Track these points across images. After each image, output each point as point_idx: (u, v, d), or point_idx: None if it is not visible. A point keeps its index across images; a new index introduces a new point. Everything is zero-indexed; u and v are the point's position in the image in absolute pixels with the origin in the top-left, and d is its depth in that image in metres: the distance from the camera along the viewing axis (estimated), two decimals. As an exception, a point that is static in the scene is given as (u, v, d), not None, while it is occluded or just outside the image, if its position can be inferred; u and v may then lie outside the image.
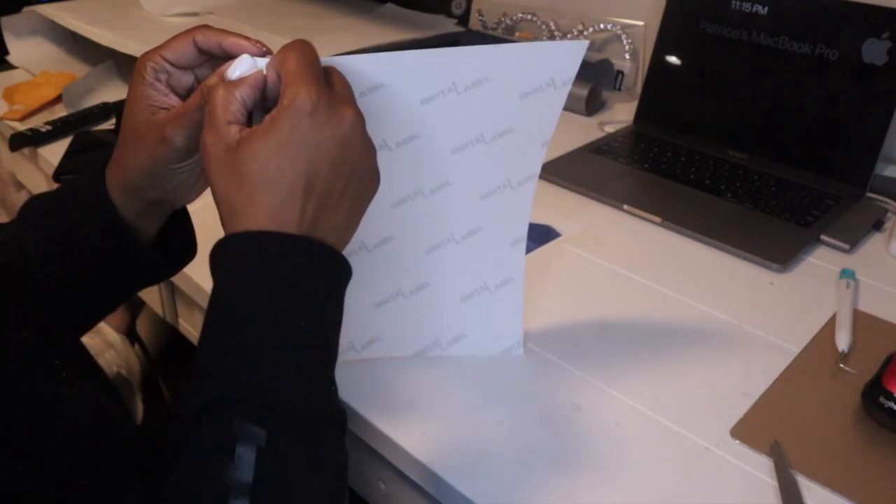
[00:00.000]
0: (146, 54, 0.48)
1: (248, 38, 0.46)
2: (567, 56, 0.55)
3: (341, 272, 0.44)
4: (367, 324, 0.63)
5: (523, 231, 0.63)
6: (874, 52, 0.91)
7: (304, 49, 0.43)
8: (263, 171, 0.40)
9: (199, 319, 0.43)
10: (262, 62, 0.46)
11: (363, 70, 0.49)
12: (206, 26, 0.48)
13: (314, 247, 0.42)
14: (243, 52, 0.46)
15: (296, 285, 0.41)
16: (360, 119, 0.43)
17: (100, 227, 0.50)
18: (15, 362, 0.43)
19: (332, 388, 0.42)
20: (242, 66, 0.45)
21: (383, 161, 0.49)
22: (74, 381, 0.47)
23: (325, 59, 0.46)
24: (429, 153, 0.56)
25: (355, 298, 0.59)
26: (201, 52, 0.48)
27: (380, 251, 0.59)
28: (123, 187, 0.50)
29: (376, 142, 0.47)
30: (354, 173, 0.43)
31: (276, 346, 0.40)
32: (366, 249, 0.59)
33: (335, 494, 0.41)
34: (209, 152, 0.42)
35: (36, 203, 0.53)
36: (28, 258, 0.51)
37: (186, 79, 0.50)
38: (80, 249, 0.51)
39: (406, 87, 0.52)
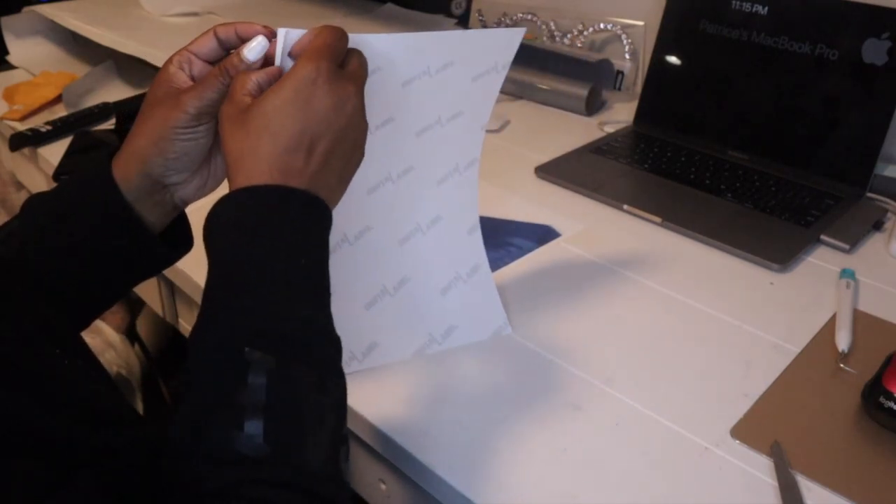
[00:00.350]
0: (176, 52, 0.53)
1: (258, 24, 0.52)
2: (508, 42, 0.59)
3: (329, 224, 0.48)
4: (362, 329, 0.63)
5: (476, 219, 0.66)
6: (874, 52, 0.91)
7: (331, 33, 0.48)
8: (268, 124, 0.45)
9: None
10: (287, 37, 0.49)
11: (367, 50, 0.52)
12: (223, 23, 0.53)
13: (311, 199, 0.46)
14: (256, 34, 0.50)
15: (295, 231, 0.45)
16: (359, 96, 0.48)
17: (104, 209, 0.52)
18: (16, 354, 0.43)
19: (330, 320, 0.45)
20: (257, 44, 0.49)
21: (372, 143, 0.51)
22: (76, 369, 0.47)
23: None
24: (398, 136, 0.59)
25: (346, 301, 0.60)
26: (221, 44, 0.52)
27: (360, 244, 0.60)
28: (128, 157, 0.51)
29: None
30: (347, 140, 0.48)
31: (280, 282, 0.43)
32: (347, 242, 0.60)
33: (339, 417, 0.43)
34: (224, 117, 0.47)
35: (37, 200, 0.53)
36: (29, 255, 0.51)
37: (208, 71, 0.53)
38: (83, 236, 0.52)
39: (396, 70, 0.55)
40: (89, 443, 0.41)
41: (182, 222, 0.57)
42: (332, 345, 0.44)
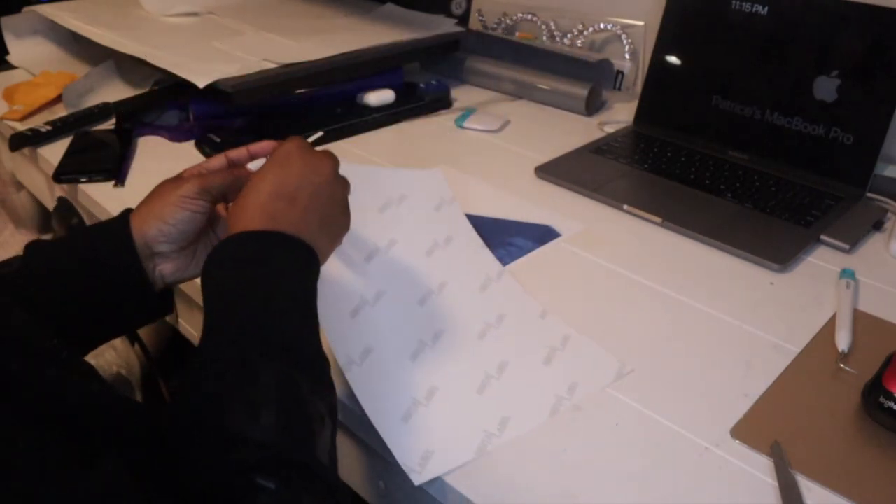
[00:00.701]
0: (189, 167, 0.63)
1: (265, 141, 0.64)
2: (434, 181, 0.75)
3: (314, 261, 0.54)
4: (481, 412, 0.61)
5: (541, 308, 0.71)
6: (874, 51, 0.91)
7: (295, 138, 0.58)
8: (255, 186, 0.55)
9: (198, 319, 0.46)
10: None
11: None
12: (234, 148, 0.64)
13: (295, 241, 0.52)
14: (265, 152, 0.61)
15: (281, 263, 0.52)
16: (333, 164, 0.57)
17: (111, 238, 0.58)
18: (15, 347, 0.44)
19: (318, 339, 0.51)
20: (261, 161, 0.59)
21: (394, 262, 0.65)
22: (75, 361, 0.49)
23: None
24: (411, 255, 0.69)
25: (460, 388, 0.63)
26: (231, 162, 0.63)
27: (439, 345, 0.66)
28: (133, 214, 0.58)
29: (367, 250, 0.66)
30: (324, 195, 0.56)
31: (272, 303, 0.49)
32: (428, 345, 0.65)
33: (334, 423, 0.48)
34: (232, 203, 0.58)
35: (39, 243, 0.59)
36: (29, 279, 0.56)
37: None
38: (93, 281, 0.57)
39: (366, 194, 0.65)
40: (107, 427, 0.44)
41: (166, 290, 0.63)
42: (323, 360, 0.50)
